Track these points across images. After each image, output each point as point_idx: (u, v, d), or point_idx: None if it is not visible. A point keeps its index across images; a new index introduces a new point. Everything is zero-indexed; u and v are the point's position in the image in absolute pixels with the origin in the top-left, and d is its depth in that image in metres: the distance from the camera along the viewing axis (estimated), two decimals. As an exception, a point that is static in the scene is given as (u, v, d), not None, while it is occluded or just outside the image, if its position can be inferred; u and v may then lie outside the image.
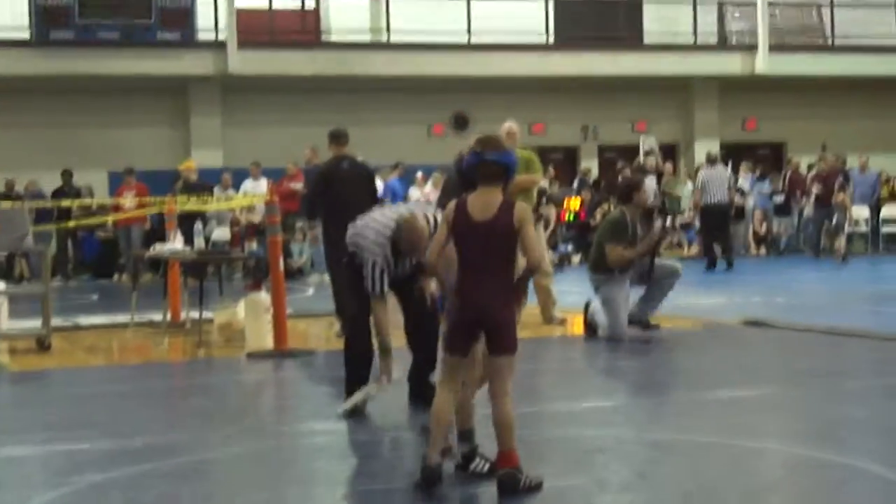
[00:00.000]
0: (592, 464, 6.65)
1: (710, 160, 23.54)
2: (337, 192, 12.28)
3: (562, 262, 24.28)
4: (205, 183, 23.12)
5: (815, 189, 25.53)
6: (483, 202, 6.03)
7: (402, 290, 8.39)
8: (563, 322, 13.50)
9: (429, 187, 25.27)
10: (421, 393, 8.27)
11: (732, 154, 31.11)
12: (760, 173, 29.15)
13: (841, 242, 24.59)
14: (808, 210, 27.03)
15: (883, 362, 10.50)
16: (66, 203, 23.20)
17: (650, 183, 24.02)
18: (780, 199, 28.16)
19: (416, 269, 7.88)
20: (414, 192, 25.25)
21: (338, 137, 13.10)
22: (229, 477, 6.79)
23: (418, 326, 8.42)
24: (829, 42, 32.52)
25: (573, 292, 14.90)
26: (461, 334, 6.00)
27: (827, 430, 7.42)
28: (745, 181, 28.46)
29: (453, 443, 6.24)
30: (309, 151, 20.98)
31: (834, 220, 25.09)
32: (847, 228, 25.33)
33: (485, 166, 6.08)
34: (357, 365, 8.31)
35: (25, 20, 25.94)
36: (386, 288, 8.06)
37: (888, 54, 31.53)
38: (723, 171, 23.49)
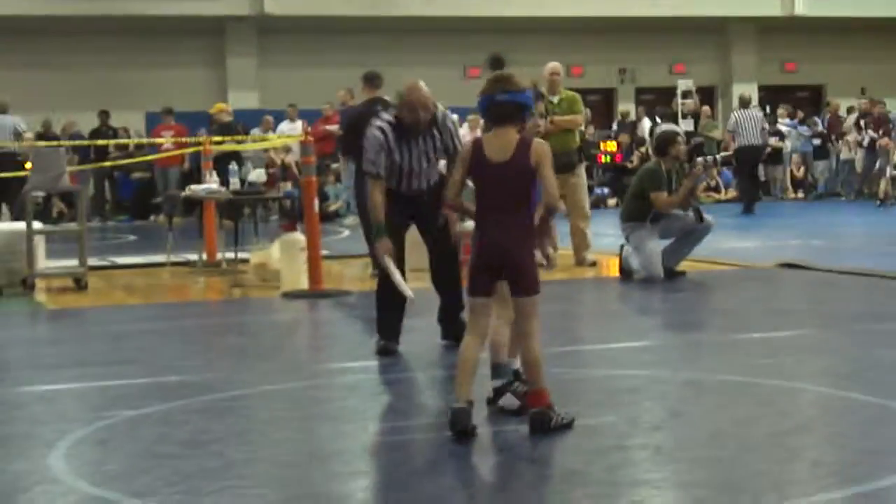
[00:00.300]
0: (625, 402, 6.66)
1: (743, 103, 23.53)
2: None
3: (598, 205, 24.21)
4: (238, 124, 23.10)
5: (869, 134, 25.27)
6: (500, 143, 5.95)
7: (426, 231, 8.50)
8: (594, 264, 13.49)
9: (464, 129, 25.18)
10: (451, 333, 8.31)
11: (771, 97, 30.97)
12: (801, 117, 28.95)
13: (883, 186, 24.43)
14: (850, 153, 26.85)
15: (918, 305, 10.44)
16: (102, 143, 23.28)
17: (751, 114, 23.68)
18: (818, 142, 27.97)
19: (438, 206, 7.81)
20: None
21: (371, 80, 13.16)
22: (261, 414, 6.83)
23: (442, 266, 8.46)
24: (870, -16, 32.17)
25: (608, 234, 14.88)
26: (482, 275, 5.94)
27: (859, 371, 7.39)
28: (783, 124, 28.30)
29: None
30: (344, 93, 20.94)
31: (877, 165, 24.93)
32: (890, 172, 25.17)
33: (497, 107, 6.00)
34: (389, 306, 8.29)
35: (62, -38, 25.95)
36: (382, 170, 8.11)
37: (928, -4, 31.20)
38: (756, 114, 23.47)
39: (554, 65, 14.09)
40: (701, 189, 26.37)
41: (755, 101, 30.33)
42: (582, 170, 14.08)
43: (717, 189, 27.13)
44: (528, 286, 5.90)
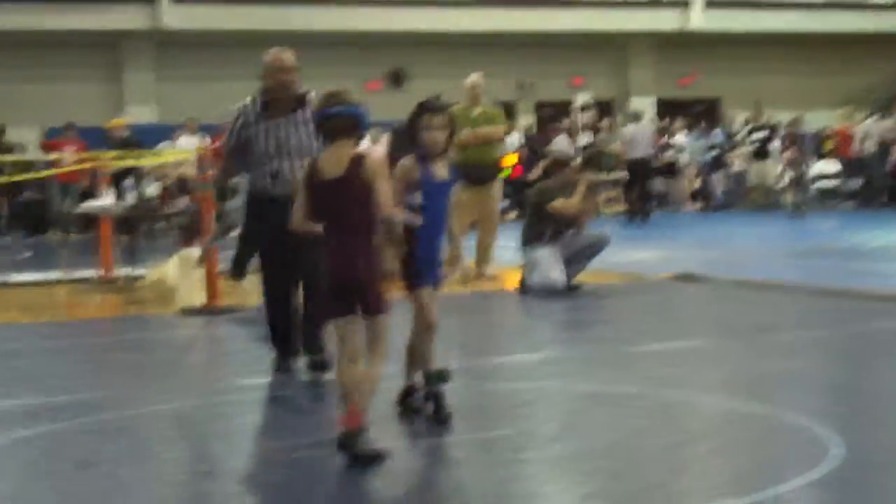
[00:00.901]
0: (521, 415, 6.68)
1: (635, 117, 24.22)
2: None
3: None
4: (134, 139, 22.90)
5: (789, 154, 25.77)
6: (335, 158, 5.79)
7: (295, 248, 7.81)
8: (493, 279, 13.51)
9: (365, 143, 25.11)
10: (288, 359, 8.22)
11: (668, 110, 31.32)
12: (697, 129, 29.35)
13: (789, 197, 24.92)
14: (743, 165, 27.32)
15: (811, 315, 10.58)
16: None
17: (641, 129, 24.20)
18: (715, 153, 28.31)
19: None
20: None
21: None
22: (155, 433, 6.75)
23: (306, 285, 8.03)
24: (764, -1, 32.70)
25: (510, 247, 14.93)
26: (335, 297, 5.78)
27: (754, 382, 7.47)
28: (680, 137, 28.64)
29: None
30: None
31: (787, 177, 25.47)
32: (785, 183, 25.64)
33: (332, 121, 5.83)
34: (278, 323, 8.15)
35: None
36: (231, 148, 8.08)
37: (822, 10, 31.78)
38: (647, 127, 24.03)
39: (474, 78, 13.96)
40: (603, 200, 26.69)
41: (652, 115, 30.70)
42: (497, 186, 14.06)
43: (615, 200, 27.33)
44: (376, 306, 5.74)
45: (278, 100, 7.97)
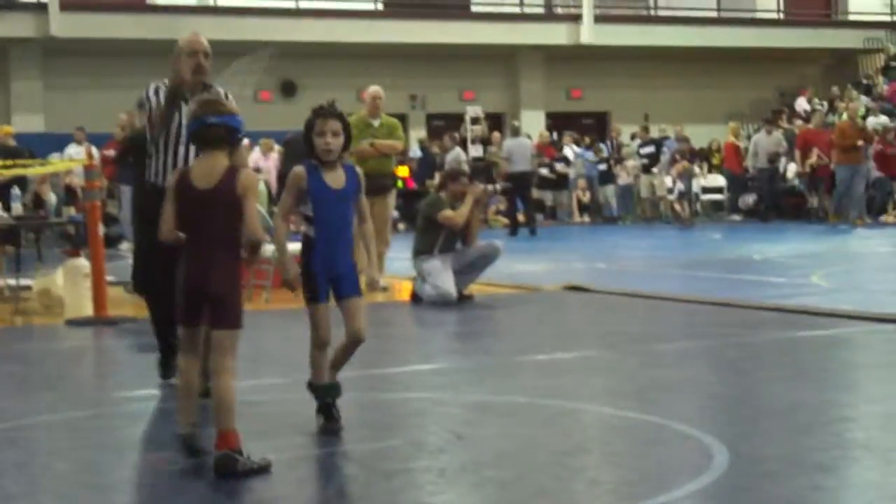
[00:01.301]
0: (410, 425, 6.72)
1: (514, 131, 24.73)
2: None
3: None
4: (21, 148, 22.60)
5: (678, 167, 26.23)
6: (207, 168, 5.73)
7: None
8: (385, 289, 13.54)
9: (256, 153, 24.99)
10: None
11: (558, 123, 31.61)
12: (586, 143, 29.69)
13: (680, 209, 25.41)
14: (628, 178, 27.73)
15: (695, 325, 10.75)
16: None
17: (520, 143, 24.58)
18: (604, 167, 28.65)
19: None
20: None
21: (142, 106, 13.00)
22: (42, 445, 6.68)
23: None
24: (653, 13, 33.10)
25: (400, 258, 14.96)
26: (186, 306, 5.77)
27: (640, 391, 7.58)
28: (568, 150, 28.96)
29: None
30: (125, 116, 20.59)
31: (676, 190, 25.94)
32: (674, 196, 26.06)
33: (207, 130, 5.76)
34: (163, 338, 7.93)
35: None
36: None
37: (709, 26, 32.27)
38: (526, 142, 24.53)
39: (376, 88, 14.01)
40: (492, 212, 26.87)
41: (543, 127, 30.96)
42: (392, 196, 14.18)
43: (506, 214, 27.53)
44: (228, 320, 5.68)
45: (185, 85, 7.59)
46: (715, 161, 29.19)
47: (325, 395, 6.45)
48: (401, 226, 25.92)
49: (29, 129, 25.61)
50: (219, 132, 5.77)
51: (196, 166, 5.83)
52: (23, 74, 27.80)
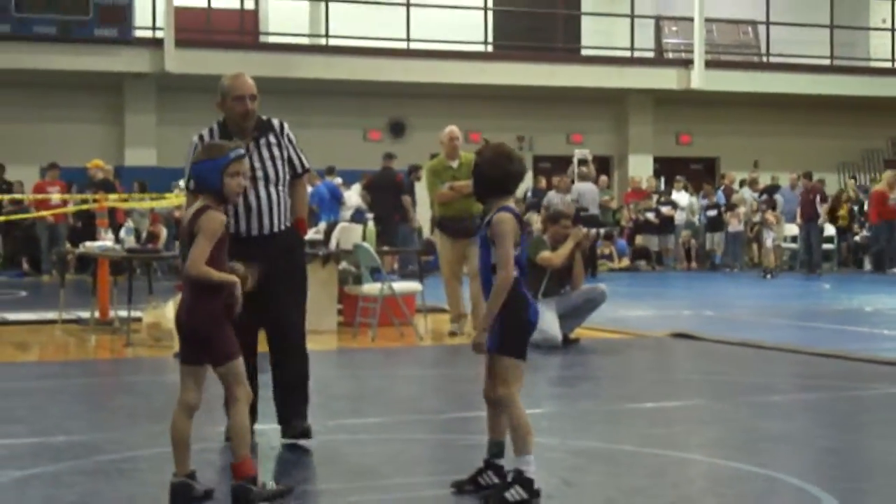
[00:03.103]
0: (517, 470, 6.67)
1: (582, 176, 24.83)
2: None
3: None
4: (110, 181, 23.04)
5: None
6: (192, 210, 5.95)
7: (265, 305, 7.11)
8: (453, 335, 13.26)
9: (356, 189, 24.91)
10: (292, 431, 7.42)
11: (666, 168, 31.46)
12: (695, 188, 29.52)
13: (770, 258, 25.07)
14: (738, 226, 27.44)
15: (806, 377, 10.61)
16: (-4, 197, 23.07)
17: (589, 187, 24.63)
18: (714, 213, 28.32)
19: (288, 267, 7.23)
20: (353, 197, 24.65)
21: None
22: (152, 476, 6.74)
23: (287, 367, 7.40)
24: (764, 60, 32.85)
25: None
26: (182, 344, 5.96)
27: (750, 442, 7.49)
28: (678, 195, 28.80)
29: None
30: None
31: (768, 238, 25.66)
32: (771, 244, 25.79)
33: (195, 176, 6.03)
34: None
35: (-39, 12, 25.63)
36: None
37: (820, 74, 31.88)
38: (592, 187, 25.02)
39: (452, 129, 13.62)
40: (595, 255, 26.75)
41: (650, 172, 30.85)
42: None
43: (611, 258, 27.43)
44: (214, 356, 5.83)
45: (240, 127, 7.25)
46: (843, 212, 28.51)
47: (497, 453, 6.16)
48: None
49: (142, 163, 26.02)
50: (197, 180, 5.98)
51: (191, 208, 6.05)
52: (137, 108, 28.24)
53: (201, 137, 7.21)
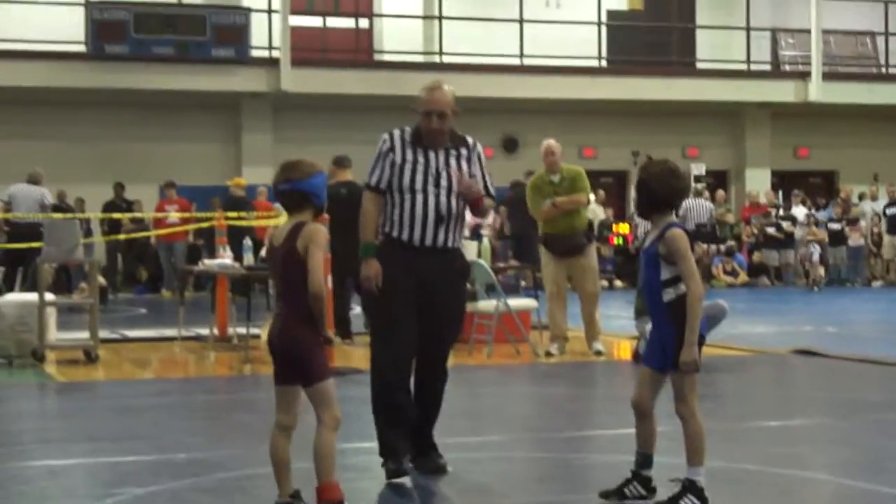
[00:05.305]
0: (638, 490, 6.58)
1: (696, 192, 24.85)
2: (333, 216, 10.43)
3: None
4: (246, 200, 23.25)
5: None
6: (285, 229, 5.85)
7: (429, 316, 6.91)
8: (599, 354, 12.89)
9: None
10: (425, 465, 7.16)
11: (784, 182, 31.03)
12: (818, 202, 29.17)
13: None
14: (859, 240, 27.00)
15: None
16: (116, 216, 23.40)
17: (699, 202, 24.48)
18: (836, 227, 27.83)
19: (455, 284, 7.09)
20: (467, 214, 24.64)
21: (339, 162, 14.09)
22: (271, 493, 6.75)
23: (430, 380, 7.28)
24: (883, 71, 32.31)
25: (620, 317, 14.82)
26: (275, 364, 5.88)
27: (877, 462, 7.31)
28: (797, 210, 28.41)
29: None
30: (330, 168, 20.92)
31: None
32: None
33: (282, 197, 5.90)
34: (389, 419, 7.01)
35: (81, 33, 26.07)
36: (382, 182, 6.91)
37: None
38: (705, 203, 25.08)
39: (548, 143, 13.08)
40: (718, 272, 26.46)
41: (768, 186, 30.45)
42: (592, 251, 13.20)
43: (733, 273, 27.09)
44: (309, 375, 5.77)
45: (432, 136, 6.98)
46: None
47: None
48: (618, 283, 25.75)
49: (258, 182, 26.24)
50: (293, 197, 5.84)
51: (279, 228, 5.96)
52: (254, 127, 28.52)
53: (389, 135, 7.04)
